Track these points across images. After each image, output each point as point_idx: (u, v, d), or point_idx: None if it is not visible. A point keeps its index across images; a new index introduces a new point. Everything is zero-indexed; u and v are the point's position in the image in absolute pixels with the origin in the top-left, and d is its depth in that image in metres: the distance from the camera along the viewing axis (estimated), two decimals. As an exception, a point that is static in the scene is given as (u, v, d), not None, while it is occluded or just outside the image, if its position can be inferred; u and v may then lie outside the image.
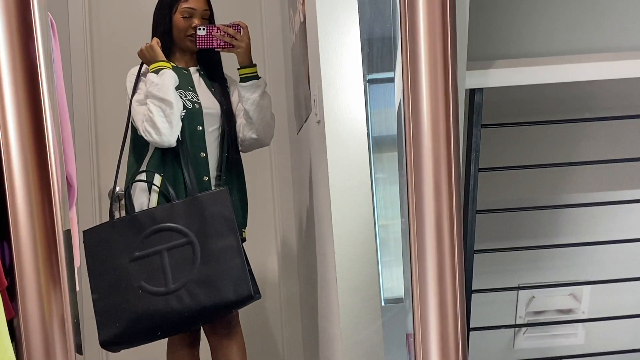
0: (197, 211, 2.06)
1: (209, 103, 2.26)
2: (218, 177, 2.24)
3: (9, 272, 1.07)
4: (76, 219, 1.91)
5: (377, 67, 2.03)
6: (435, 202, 1.50)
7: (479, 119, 1.95)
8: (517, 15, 2.12)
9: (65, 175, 1.78)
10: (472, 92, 1.93)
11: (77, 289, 1.54)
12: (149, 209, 2.11)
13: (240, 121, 2.26)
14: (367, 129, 2.02)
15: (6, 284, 1.07)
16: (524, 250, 2.34)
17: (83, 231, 2.09)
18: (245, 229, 2.31)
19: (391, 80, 1.96)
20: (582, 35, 2.16)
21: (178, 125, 2.12)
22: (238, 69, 2.24)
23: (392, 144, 2.04)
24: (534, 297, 2.49)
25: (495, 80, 1.94)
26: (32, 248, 1.06)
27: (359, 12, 1.99)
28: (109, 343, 2.02)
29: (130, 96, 2.21)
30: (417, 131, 1.56)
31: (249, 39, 2.23)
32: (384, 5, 2.00)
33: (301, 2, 2.34)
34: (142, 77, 2.21)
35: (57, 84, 1.73)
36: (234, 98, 2.31)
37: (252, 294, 2.03)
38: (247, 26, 2.23)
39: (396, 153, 1.96)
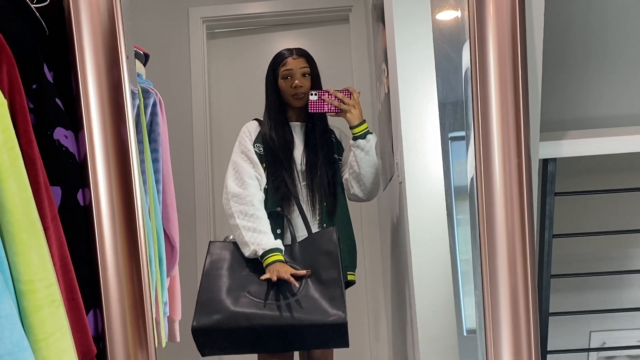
0: (310, 247, 2.15)
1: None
2: (320, 224, 2.24)
3: (100, 338, 1.13)
4: (178, 276, 2.08)
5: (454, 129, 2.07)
6: (510, 272, 1.49)
7: (553, 188, 1.90)
8: (592, 81, 2.08)
9: (170, 237, 1.96)
10: (545, 162, 1.90)
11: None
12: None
13: (347, 177, 2.26)
14: (449, 194, 2.05)
15: (95, 351, 1.10)
16: (597, 313, 2.25)
17: (210, 241, 2.18)
18: (354, 271, 2.30)
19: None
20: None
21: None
22: (350, 129, 2.22)
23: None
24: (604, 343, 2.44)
25: (569, 150, 1.90)
26: (121, 315, 1.12)
27: (437, 84, 2.05)
28: (200, 332, 2.01)
29: (236, 150, 2.28)
30: (490, 202, 1.53)
31: (358, 103, 2.21)
32: (460, 80, 2.05)
33: (385, 75, 2.44)
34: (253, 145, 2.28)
35: (162, 155, 1.88)
36: (345, 152, 2.32)
37: (346, 322, 2.00)
38: (356, 91, 2.21)
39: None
